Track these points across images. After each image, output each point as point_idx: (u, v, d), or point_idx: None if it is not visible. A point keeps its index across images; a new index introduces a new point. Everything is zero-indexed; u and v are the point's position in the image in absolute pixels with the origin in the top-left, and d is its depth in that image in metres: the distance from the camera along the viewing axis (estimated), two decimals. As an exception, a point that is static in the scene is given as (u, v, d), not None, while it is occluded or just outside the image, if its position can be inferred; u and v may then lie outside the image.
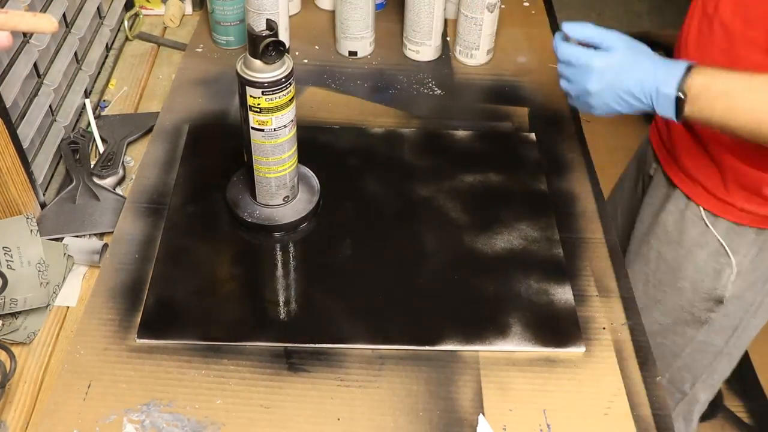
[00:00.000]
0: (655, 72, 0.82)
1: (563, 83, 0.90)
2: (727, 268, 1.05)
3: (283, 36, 1.24)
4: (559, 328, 0.88)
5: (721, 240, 1.04)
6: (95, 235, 0.97)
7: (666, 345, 1.17)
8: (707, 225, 1.04)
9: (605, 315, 0.90)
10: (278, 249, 0.96)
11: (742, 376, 1.81)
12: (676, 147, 1.06)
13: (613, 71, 0.84)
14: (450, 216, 1.00)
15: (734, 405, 1.80)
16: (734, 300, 1.08)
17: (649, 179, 1.17)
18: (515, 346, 0.85)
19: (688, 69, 0.81)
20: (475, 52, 1.25)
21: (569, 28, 0.87)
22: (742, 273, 1.05)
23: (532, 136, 1.13)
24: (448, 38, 1.32)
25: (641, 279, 1.15)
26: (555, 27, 1.36)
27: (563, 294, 0.91)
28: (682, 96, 0.80)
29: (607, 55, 0.84)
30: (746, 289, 1.08)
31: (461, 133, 1.13)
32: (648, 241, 1.14)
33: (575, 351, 0.86)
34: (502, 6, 1.26)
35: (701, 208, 1.04)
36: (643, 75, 0.82)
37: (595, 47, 0.85)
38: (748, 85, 0.80)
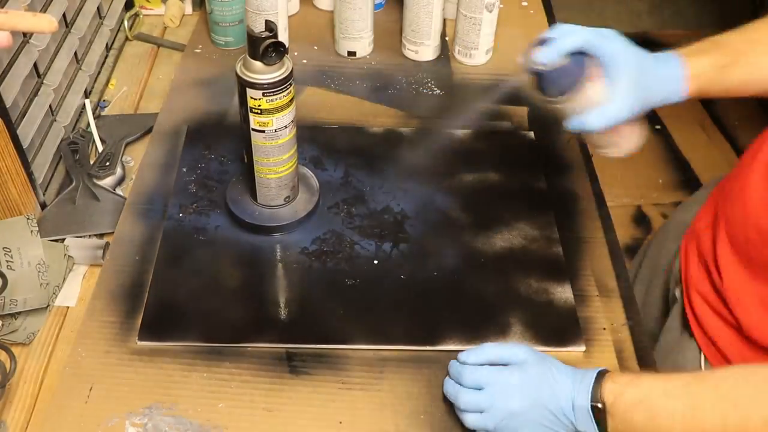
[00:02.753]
0: (563, 382, 0.74)
1: (472, 419, 0.75)
2: None
3: (283, 36, 1.24)
4: (559, 328, 0.88)
5: None
6: (95, 235, 0.97)
7: None
8: None
9: (605, 315, 0.90)
10: (278, 249, 0.96)
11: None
12: (698, 314, 0.93)
13: (532, 386, 0.74)
14: (449, 215, 1.00)
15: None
16: None
17: (674, 299, 1.02)
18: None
19: (600, 375, 0.73)
20: (474, 52, 1.25)
21: (468, 355, 0.79)
22: None
23: (531, 135, 1.13)
24: (447, 38, 1.32)
25: None
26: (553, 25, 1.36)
27: (563, 293, 0.91)
28: (599, 406, 0.71)
29: (520, 370, 0.75)
30: None
31: (461, 133, 1.13)
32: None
33: (575, 351, 0.86)
34: (501, 6, 1.26)
35: None
36: (555, 388, 0.74)
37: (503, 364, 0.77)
38: (664, 390, 0.71)
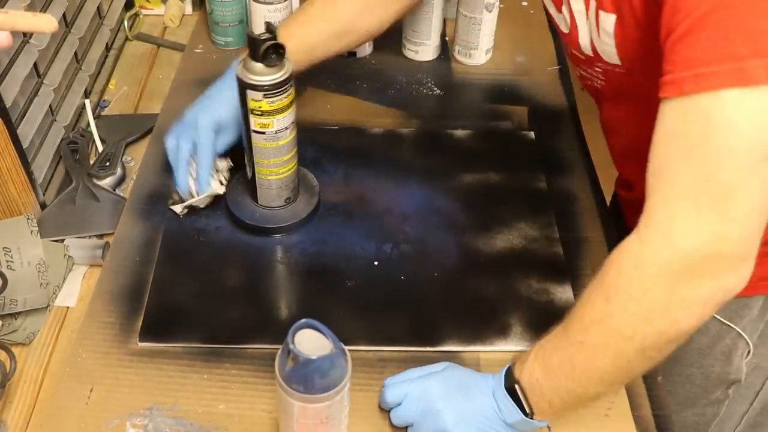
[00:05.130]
0: (484, 379, 0.76)
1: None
2: (737, 350, 0.96)
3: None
4: (559, 329, 0.88)
5: (724, 320, 0.94)
6: (95, 236, 0.97)
7: (688, 421, 1.07)
8: None
9: (605, 315, 0.90)
10: (279, 251, 0.96)
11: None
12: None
13: (453, 386, 0.76)
14: (450, 216, 1.00)
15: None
16: (750, 372, 1.00)
17: None
18: (516, 346, 0.85)
19: (508, 370, 0.74)
20: (474, 52, 1.25)
21: (392, 379, 0.79)
22: (751, 350, 0.96)
23: (532, 134, 1.13)
24: (447, 38, 1.32)
25: None
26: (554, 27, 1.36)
27: (564, 293, 0.91)
28: (515, 387, 0.72)
29: (440, 375, 0.77)
30: (759, 360, 0.98)
31: (460, 133, 1.13)
32: None
33: (576, 351, 0.86)
34: (501, 6, 1.26)
35: None
36: (475, 386, 0.75)
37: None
38: (553, 346, 0.72)
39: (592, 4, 0.80)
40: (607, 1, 0.77)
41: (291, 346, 0.62)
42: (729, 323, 0.94)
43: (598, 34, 0.81)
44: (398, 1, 1.07)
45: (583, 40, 0.85)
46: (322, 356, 0.63)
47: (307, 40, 1.00)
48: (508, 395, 0.73)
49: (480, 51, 1.26)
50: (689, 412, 1.05)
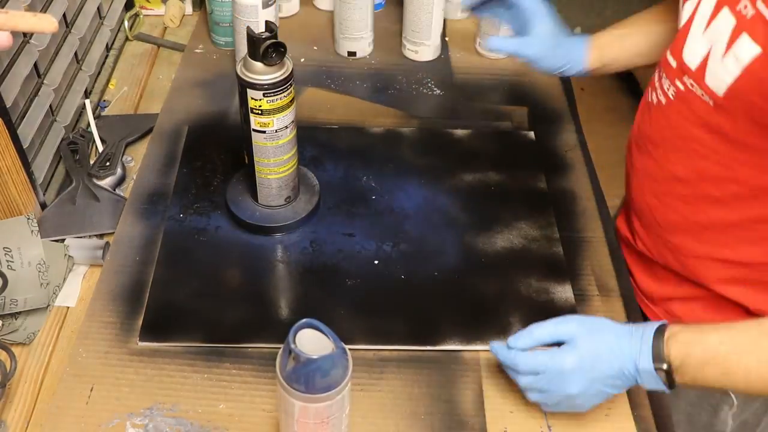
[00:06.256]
0: (622, 348, 0.73)
1: (534, 396, 0.77)
2: (725, 405, 0.96)
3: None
4: (559, 328, 0.88)
5: None
6: (95, 235, 0.97)
7: None
8: None
9: (606, 314, 0.89)
10: (279, 250, 0.96)
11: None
12: (641, 283, 0.98)
13: (587, 365, 0.74)
14: (450, 215, 1.00)
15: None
16: (736, 427, 0.99)
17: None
18: (516, 346, 0.85)
19: (658, 333, 0.72)
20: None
21: (517, 340, 0.76)
22: (740, 403, 0.96)
23: (532, 135, 1.13)
24: (447, 38, 1.32)
25: None
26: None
27: (563, 293, 0.91)
28: (664, 368, 0.71)
29: (573, 349, 0.74)
30: (748, 416, 0.98)
31: (460, 133, 1.13)
32: None
33: (576, 351, 0.86)
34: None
35: None
36: (613, 357, 0.73)
37: (557, 344, 0.76)
38: (733, 346, 0.72)
39: (732, 20, 0.72)
40: (760, 31, 0.69)
41: (292, 346, 0.62)
42: None
43: (723, 55, 0.73)
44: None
45: (692, 48, 0.79)
46: (324, 356, 0.63)
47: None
48: (656, 374, 0.72)
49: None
50: None
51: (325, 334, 0.64)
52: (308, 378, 0.64)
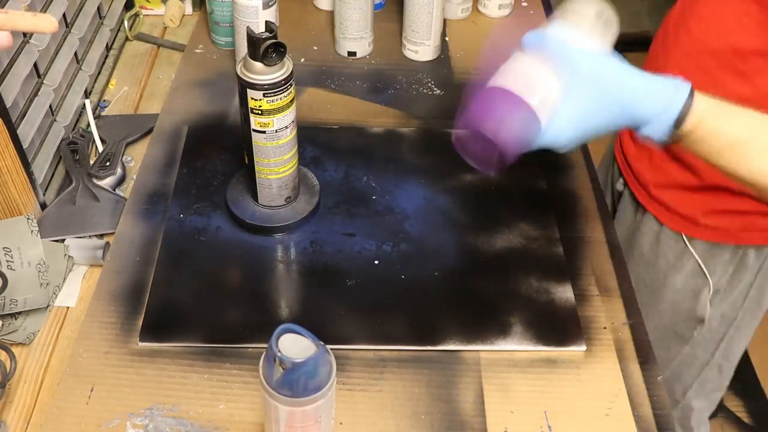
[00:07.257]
0: (654, 88, 0.68)
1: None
2: (705, 288, 1.05)
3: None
4: (559, 328, 0.88)
5: (699, 261, 1.02)
6: (95, 236, 0.97)
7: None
8: (686, 245, 1.03)
9: (606, 314, 0.90)
10: (279, 250, 0.96)
11: (742, 376, 1.81)
12: (643, 174, 1.05)
13: (607, 71, 0.69)
14: (450, 215, 1.00)
15: (734, 405, 1.81)
16: (716, 317, 1.07)
17: (618, 195, 1.15)
18: (516, 345, 0.85)
19: (692, 91, 0.68)
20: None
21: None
22: (721, 292, 1.04)
23: (532, 135, 1.13)
24: (447, 38, 1.32)
25: None
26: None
27: (564, 293, 0.91)
28: (678, 133, 0.68)
29: (599, 55, 0.70)
30: (727, 307, 1.06)
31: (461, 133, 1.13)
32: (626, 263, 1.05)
33: (576, 350, 0.86)
34: (502, 6, 1.27)
35: (682, 234, 1.04)
36: (639, 85, 0.69)
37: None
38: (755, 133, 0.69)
39: None
40: None
41: (278, 354, 0.62)
42: (702, 265, 1.03)
43: None
44: None
45: None
46: (310, 357, 0.62)
47: None
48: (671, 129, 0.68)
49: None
50: (656, 346, 1.06)
51: (303, 336, 0.64)
52: (298, 382, 0.63)
